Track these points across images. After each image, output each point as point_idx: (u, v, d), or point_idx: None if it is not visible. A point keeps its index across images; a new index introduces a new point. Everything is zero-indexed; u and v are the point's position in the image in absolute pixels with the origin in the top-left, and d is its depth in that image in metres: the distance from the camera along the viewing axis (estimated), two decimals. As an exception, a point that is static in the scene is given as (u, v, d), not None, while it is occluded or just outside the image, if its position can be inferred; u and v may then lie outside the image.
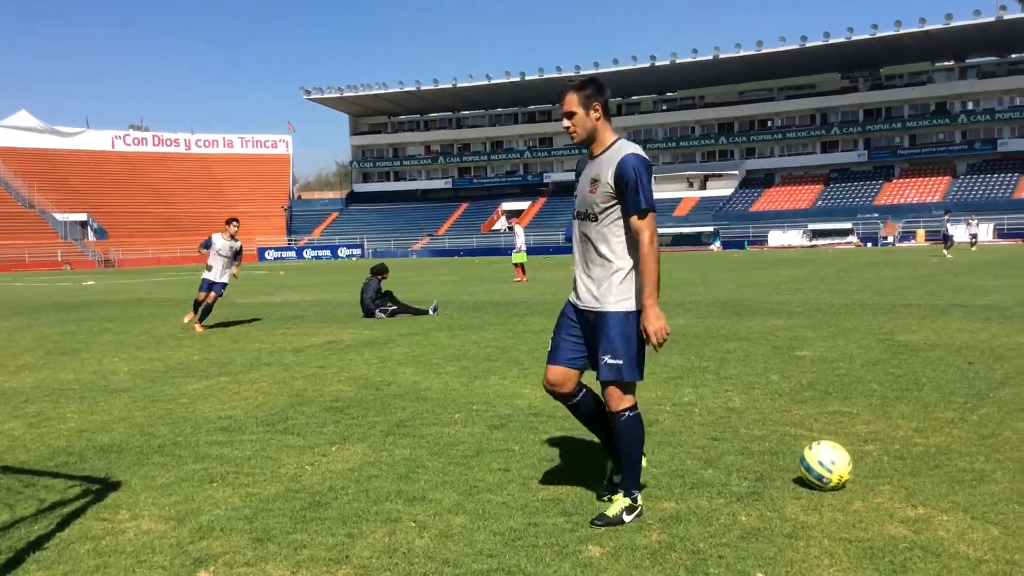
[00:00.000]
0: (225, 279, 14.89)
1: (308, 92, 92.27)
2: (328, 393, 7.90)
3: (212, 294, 14.61)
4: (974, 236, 46.70)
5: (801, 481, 4.68)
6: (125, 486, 5.08)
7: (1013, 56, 75.77)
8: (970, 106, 77.38)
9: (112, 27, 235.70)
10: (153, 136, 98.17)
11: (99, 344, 12.63)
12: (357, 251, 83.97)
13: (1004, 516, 4.10)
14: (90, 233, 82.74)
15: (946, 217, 40.53)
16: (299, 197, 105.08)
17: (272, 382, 8.63)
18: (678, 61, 78.60)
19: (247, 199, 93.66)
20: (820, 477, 4.54)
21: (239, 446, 5.95)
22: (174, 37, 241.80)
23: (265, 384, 8.52)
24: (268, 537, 4.12)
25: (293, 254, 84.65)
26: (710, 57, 77.41)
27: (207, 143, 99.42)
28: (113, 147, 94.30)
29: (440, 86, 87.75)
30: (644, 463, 4.42)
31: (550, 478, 4.97)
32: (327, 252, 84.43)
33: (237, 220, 14.98)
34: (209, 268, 14.81)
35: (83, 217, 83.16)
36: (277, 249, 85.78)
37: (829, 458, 4.56)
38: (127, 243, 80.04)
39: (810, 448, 4.67)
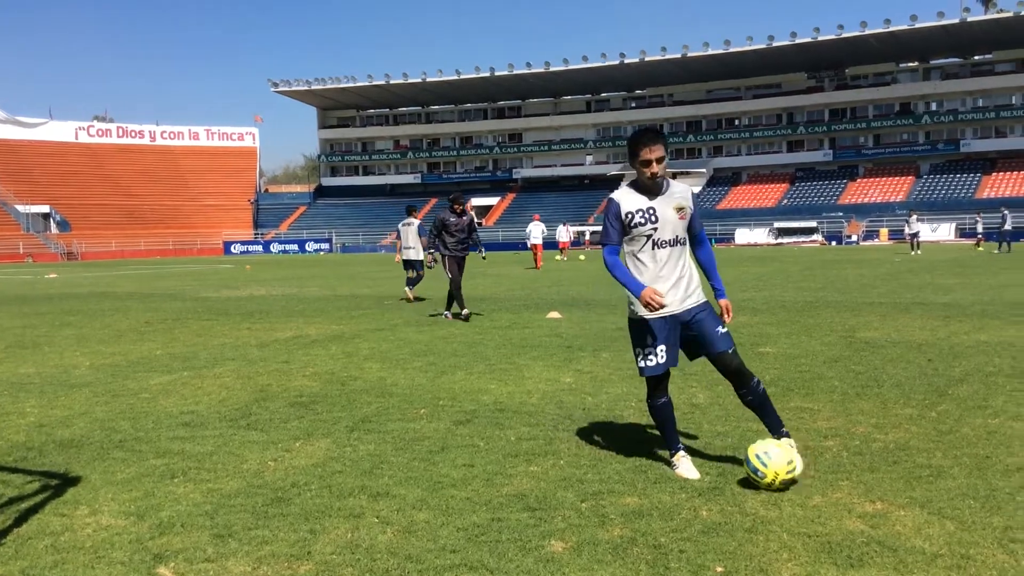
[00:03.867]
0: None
1: (276, 84, 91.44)
2: (293, 388, 7.86)
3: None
4: (979, 235, 44.59)
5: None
6: (84, 481, 5.03)
7: (976, 58, 76.85)
8: (934, 107, 78.37)
9: (76, 16, 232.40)
10: (117, 127, 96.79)
11: (60, 338, 12.47)
12: (325, 245, 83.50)
13: (960, 511, 4.17)
14: (53, 225, 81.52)
15: (913, 217, 40.85)
16: (266, 190, 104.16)
17: (236, 377, 8.56)
18: (647, 59, 78.82)
19: (213, 192, 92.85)
20: (755, 470, 4.57)
21: (201, 441, 5.90)
22: (140, 27, 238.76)
23: (229, 379, 8.46)
24: (229, 533, 4.10)
25: (260, 248, 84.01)
26: (679, 55, 77.73)
27: (172, 135, 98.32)
28: (77, 138, 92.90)
29: (409, 80, 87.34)
30: None
31: (514, 474, 4.98)
32: (295, 246, 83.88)
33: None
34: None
35: (45, 209, 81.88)
36: (243, 243, 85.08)
37: (764, 450, 4.58)
38: (90, 236, 78.96)
39: (754, 443, 4.72)
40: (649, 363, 4.94)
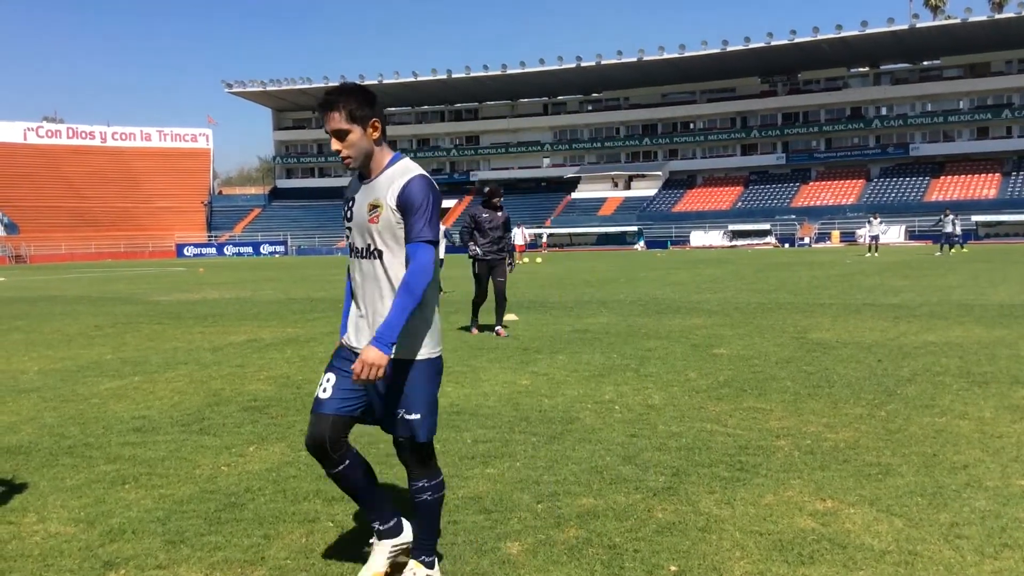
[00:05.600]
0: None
1: (230, 85, 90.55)
2: (247, 392, 7.77)
3: None
4: (958, 237, 42.34)
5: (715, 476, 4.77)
6: (32, 488, 4.94)
7: (925, 63, 78.39)
8: (884, 111, 79.80)
9: (25, 13, 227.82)
10: (67, 128, 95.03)
11: (8, 343, 12.22)
12: (280, 248, 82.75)
13: (908, 508, 4.25)
14: (0, 228, 79.83)
15: (876, 220, 41.56)
16: (220, 192, 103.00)
17: (189, 381, 8.45)
18: (604, 62, 79.30)
19: (166, 194, 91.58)
20: None
21: (153, 447, 5.82)
22: (90, 25, 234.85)
23: (181, 383, 8.35)
24: (181, 539, 4.05)
25: (213, 251, 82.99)
26: (634, 59, 78.28)
27: (124, 136, 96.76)
28: (25, 139, 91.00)
29: (366, 82, 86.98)
30: None
31: (470, 476, 4.98)
32: (249, 249, 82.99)
33: None
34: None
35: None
36: (197, 245, 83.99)
37: None
38: (39, 238, 77.41)
39: None
40: (316, 393, 3.52)
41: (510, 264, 12.38)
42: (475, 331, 11.90)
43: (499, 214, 11.76)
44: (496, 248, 11.79)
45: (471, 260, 11.95)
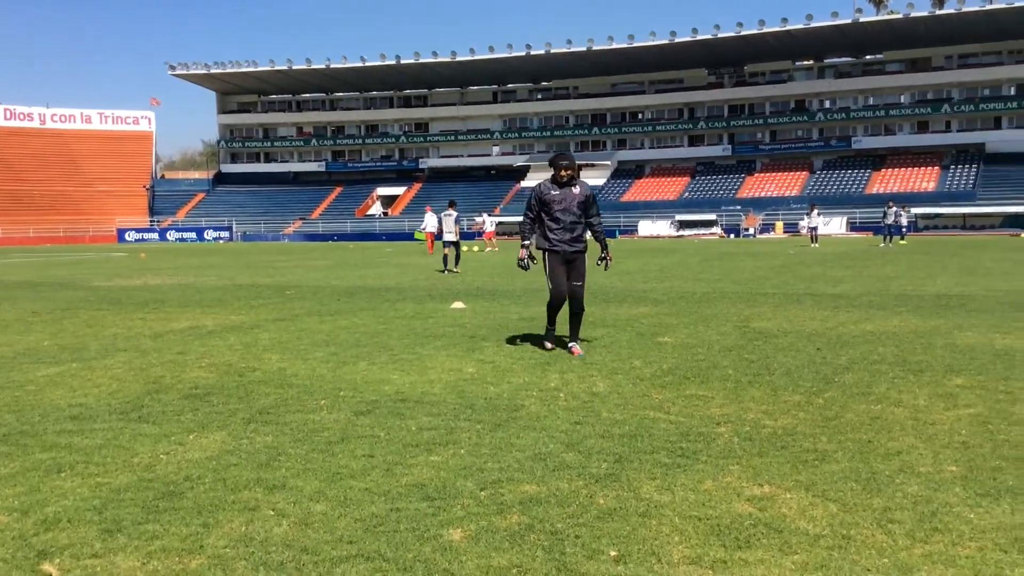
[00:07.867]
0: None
1: (173, 67, 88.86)
2: (187, 380, 7.67)
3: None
4: (903, 228, 43.91)
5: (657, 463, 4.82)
6: (-37, 478, 4.82)
7: (868, 57, 79.84)
8: (827, 104, 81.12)
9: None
10: (4, 110, 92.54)
11: (-61, 328, 11.89)
12: (225, 234, 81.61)
13: (842, 493, 4.35)
14: (-67, 210, 77.67)
15: (814, 212, 42.30)
16: (162, 176, 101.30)
17: (127, 369, 8.31)
18: (553, 51, 79.38)
19: (106, 177, 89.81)
20: None
21: (90, 435, 5.71)
22: (27, 3, 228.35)
23: (120, 371, 8.20)
24: (118, 528, 3.99)
25: (156, 236, 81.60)
26: (583, 48, 78.49)
27: (63, 118, 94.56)
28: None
29: (313, 66, 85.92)
30: None
31: (414, 464, 4.98)
32: (192, 234, 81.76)
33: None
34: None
35: (-76, 193, 77.89)
36: (138, 230, 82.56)
37: None
38: (-26, 222, 75.51)
39: None
40: None
41: (605, 259, 9.25)
42: (549, 345, 9.09)
43: (573, 191, 8.71)
44: (571, 237, 8.79)
45: (542, 253, 8.98)
